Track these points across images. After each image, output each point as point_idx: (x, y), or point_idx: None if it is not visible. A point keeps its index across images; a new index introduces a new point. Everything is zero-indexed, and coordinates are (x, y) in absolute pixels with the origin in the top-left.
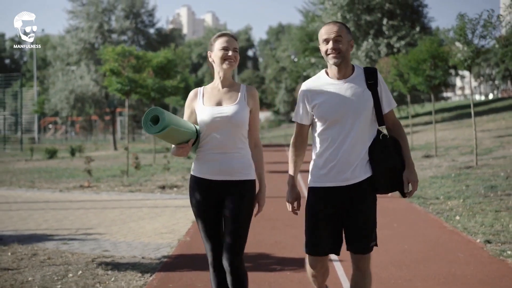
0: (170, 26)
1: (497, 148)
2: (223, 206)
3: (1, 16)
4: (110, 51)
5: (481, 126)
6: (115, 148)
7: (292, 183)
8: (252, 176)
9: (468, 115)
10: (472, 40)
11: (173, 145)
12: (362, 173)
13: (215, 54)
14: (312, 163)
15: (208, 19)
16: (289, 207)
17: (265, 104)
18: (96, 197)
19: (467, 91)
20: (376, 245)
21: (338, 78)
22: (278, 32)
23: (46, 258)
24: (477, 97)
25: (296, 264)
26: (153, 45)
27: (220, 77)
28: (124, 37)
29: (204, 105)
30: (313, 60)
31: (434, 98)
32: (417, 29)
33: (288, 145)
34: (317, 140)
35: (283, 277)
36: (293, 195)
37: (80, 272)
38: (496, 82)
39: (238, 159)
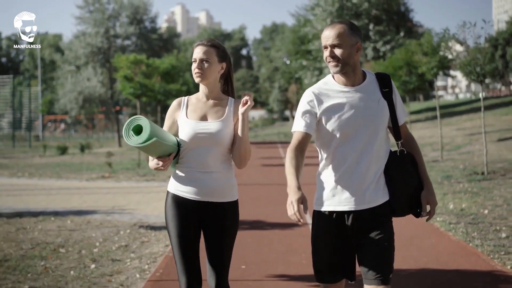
0: (165, 25)
1: (465, 145)
2: (205, 230)
3: None
4: (124, 59)
5: (459, 124)
6: (120, 145)
7: (294, 186)
8: (235, 196)
9: (450, 114)
10: (438, 51)
11: (150, 157)
12: (379, 196)
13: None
14: (319, 183)
15: (202, 17)
16: (292, 209)
17: (259, 103)
18: (119, 185)
19: (457, 90)
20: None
21: (348, 85)
22: (272, 31)
23: (99, 224)
24: (469, 96)
25: (282, 226)
26: (155, 49)
27: (202, 89)
28: (127, 42)
29: (187, 118)
30: (304, 63)
31: (410, 99)
32: (401, 34)
33: (280, 143)
34: (327, 156)
35: (273, 233)
36: (298, 195)
37: (128, 231)
38: (487, 81)
39: (219, 179)
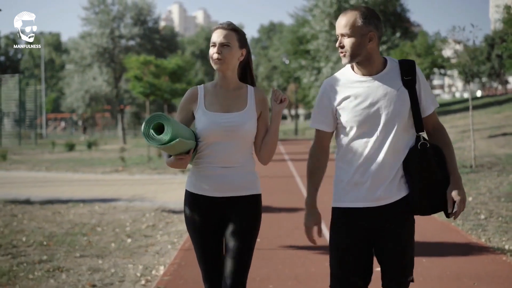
0: (163, 24)
1: (457, 141)
2: (226, 227)
3: None
4: (134, 60)
5: (453, 122)
6: (125, 142)
7: (311, 203)
8: (257, 190)
9: (445, 113)
10: (430, 53)
11: (165, 154)
12: (396, 191)
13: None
14: (336, 177)
15: (199, 16)
16: (308, 233)
17: None
18: (133, 177)
19: (453, 89)
20: (412, 280)
21: (366, 75)
22: (270, 30)
23: (125, 209)
24: (465, 95)
25: (288, 210)
26: (159, 49)
27: (219, 77)
28: (132, 42)
29: (206, 110)
30: (303, 62)
31: None
32: (398, 34)
33: (280, 140)
34: (343, 150)
35: (281, 215)
36: (312, 219)
37: (153, 214)
38: (483, 79)
39: (242, 174)
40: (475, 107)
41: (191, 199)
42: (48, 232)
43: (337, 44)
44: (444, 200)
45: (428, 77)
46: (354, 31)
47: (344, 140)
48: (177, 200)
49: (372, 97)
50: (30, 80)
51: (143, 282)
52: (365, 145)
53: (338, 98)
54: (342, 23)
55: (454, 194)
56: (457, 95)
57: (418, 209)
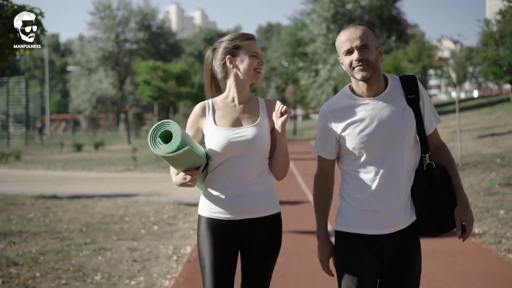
0: (162, 24)
1: (448, 141)
2: (244, 251)
3: None
4: (143, 65)
5: (447, 122)
6: (129, 142)
7: (323, 235)
8: (277, 208)
9: (440, 113)
10: (421, 59)
11: (174, 171)
12: (407, 217)
13: (242, 61)
14: (342, 203)
15: (197, 16)
16: (324, 266)
17: None
18: (145, 175)
19: (450, 89)
20: None
21: (369, 96)
22: (268, 31)
23: (145, 202)
24: (462, 96)
25: (291, 203)
26: (162, 54)
27: (238, 90)
28: (135, 46)
29: (216, 125)
30: (301, 64)
31: None
32: (393, 38)
33: None
34: (351, 177)
35: (284, 208)
36: (326, 252)
37: (172, 206)
38: (480, 79)
39: (260, 192)
40: (470, 108)
41: (206, 225)
42: (84, 222)
43: (354, 58)
44: (451, 220)
45: (423, 80)
46: (372, 43)
47: (352, 166)
48: (191, 195)
49: (378, 120)
50: (31, 81)
51: (175, 258)
52: (376, 171)
53: (342, 124)
54: (359, 35)
55: (462, 215)
56: (454, 95)
57: (426, 231)
